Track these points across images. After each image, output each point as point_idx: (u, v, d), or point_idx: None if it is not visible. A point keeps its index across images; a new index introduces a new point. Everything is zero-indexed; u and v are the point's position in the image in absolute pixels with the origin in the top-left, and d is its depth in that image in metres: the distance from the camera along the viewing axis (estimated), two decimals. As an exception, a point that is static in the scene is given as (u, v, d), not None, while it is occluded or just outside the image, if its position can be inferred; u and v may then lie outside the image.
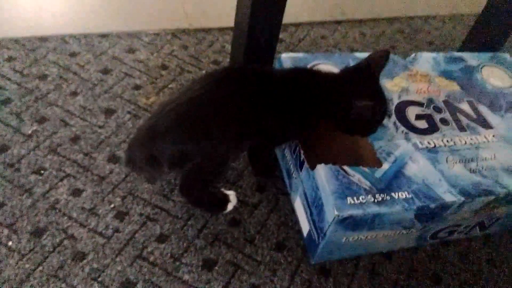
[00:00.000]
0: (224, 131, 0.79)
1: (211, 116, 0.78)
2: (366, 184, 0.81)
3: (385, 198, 0.79)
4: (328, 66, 1.01)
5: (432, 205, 0.80)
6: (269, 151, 1.01)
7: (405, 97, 0.99)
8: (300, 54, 1.05)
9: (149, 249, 0.84)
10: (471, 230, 0.94)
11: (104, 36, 1.25)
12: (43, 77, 1.11)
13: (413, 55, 1.11)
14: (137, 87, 1.13)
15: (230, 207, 0.91)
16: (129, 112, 1.07)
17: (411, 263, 0.92)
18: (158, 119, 0.80)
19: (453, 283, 0.91)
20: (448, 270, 0.92)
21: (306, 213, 0.88)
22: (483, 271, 0.94)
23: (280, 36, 1.16)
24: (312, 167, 0.83)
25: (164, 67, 1.20)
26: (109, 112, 1.06)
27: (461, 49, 1.40)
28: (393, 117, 0.94)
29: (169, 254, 0.84)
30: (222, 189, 0.93)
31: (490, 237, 1.00)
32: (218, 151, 0.81)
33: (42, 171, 0.92)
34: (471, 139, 0.93)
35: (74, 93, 1.08)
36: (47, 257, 0.80)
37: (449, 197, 0.81)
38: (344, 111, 0.83)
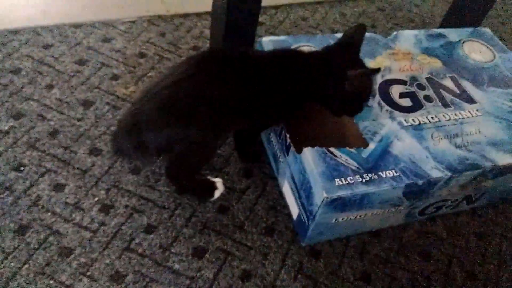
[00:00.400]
0: (210, 115, 0.77)
1: (196, 100, 0.76)
2: (353, 164, 0.80)
3: (373, 178, 0.79)
4: (311, 48, 1.00)
5: (420, 182, 0.80)
6: (255, 136, 1.00)
7: (388, 76, 0.98)
8: (281, 37, 1.03)
9: (137, 241, 0.83)
10: (459, 204, 0.95)
11: (77, 26, 1.21)
12: (16, 71, 1.07)
13: (394, 33, 1.10)
14: (115, 77, 1.10)
15: (217, 194, 0.90)
16: (108, 103, 1.04)
17: (400, 240, 0.93)
18: (142, 105, 0.77)
19: (442, 258, 0.92)
20: (437, 246, 0.93)
21: (295, 197, 0.87)
22: (471, 245, 0.95)
23: (260, 19, 1.14)
24: (299, 150, 0.82)
25: (142, 55, 1.17)
26: (87, 104, 1.03)
27: (442, 25, 1.40)
28: (377, 97, 0.93)
29: (158, 245, 0.83)
30: (209, 177, 0.92)
31: (477, 210, 1.01)
32: (205, 136, 0.79)
33: (21, 168, 0.89)
34: (455, 114, 0.94)
35: (50, 86, 1.05)
36: (33, 254, 0.78)
37: (436, 173, 0.82)
38: (334, 87, 0.82)
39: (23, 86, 1.03)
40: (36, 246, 0.79)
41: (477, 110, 0.96)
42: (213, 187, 0.90)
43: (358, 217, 0.84)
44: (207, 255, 0.83)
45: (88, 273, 0.78)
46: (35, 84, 1.05)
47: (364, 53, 1.01)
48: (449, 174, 0.82)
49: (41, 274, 0.76)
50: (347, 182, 0.77)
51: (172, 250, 0.83)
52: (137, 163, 0.92)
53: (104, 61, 1.14)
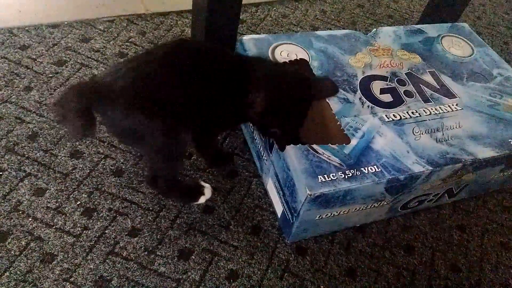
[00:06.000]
0: (174, 112, 0.72)
1: (167, 94, 0.72)
2: (336, 161, 0.81)
3: (355, 174, 0.79)
4: (292, 46, 1.00)
5: (401, 177, 0.81)
6: (213, 140, 0.96)
7: (369, 72, 0.99)
8: (262, 36, 1.03)
9: (121, 244, 0.82)
10: (440, 198, 0.96)
11: (55, 26, 1.19)
12: (-8, 73, 1.04)
13: (374, 30, 1.11)
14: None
15: (202, 200, 0.89)
16: (89, 105, 1.02)
17: (384, 235, 0.94)
18: (116, 77, 0.71)
19: (426, 251, 0.93)
20: (420, 239, 0.94)
21: (279, 194, 0.87)
22: (453, 237, 0.96)
23: (241, 16, 1.14)
24: (282, 148, 0.82)
25: (122, 55, 1.16)
26: (67, 106, 1.01)
27: (421, 21, 1.41)
28: (358, 93, 0.94)
29: (142, 248, 0.82)
30: (200, 181, 0.91)
31: (459, 203, 1.03)
32: (167, 132, 0.74)
33: (0, 173, 0.87)
34: (435, 109, 0.95)
35: (28, 88, 1.03)
36: (14, 261, 0.77)
37: (418, 167, 0.83)
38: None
39: (-1, 89, 1.01)
40: (17, 253, 0.78)
41: (456, 105, 0.97)
42: (200, 191, 0.89)
43: (341, 213, 0.84)
44: (193, 256, 0.83)
45: (72, 279, 0.76)
46: (12, 86, 1.02)
47: (345, 50, 1.02)
48: (430, 168, 0.83)
49: (23, 281, 0.75)
50: (330, 179, 0.78)
51: (158, 253, 0.82)
52: (70, 129, 0.75)
53: (83, 61, 1.12)
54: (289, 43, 1.00)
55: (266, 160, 0.91)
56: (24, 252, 0.78)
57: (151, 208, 0.88)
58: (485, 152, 0.88)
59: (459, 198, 1.01)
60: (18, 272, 0.76)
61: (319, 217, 0.83)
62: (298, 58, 0.96)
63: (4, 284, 0.74)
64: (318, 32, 1.06)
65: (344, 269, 0.87)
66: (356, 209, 0.85)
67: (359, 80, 0.97)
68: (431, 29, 1.16)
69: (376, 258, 0.90)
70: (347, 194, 0.79)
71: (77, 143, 0.95)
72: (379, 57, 1.03)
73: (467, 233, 0.98)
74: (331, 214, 0.84)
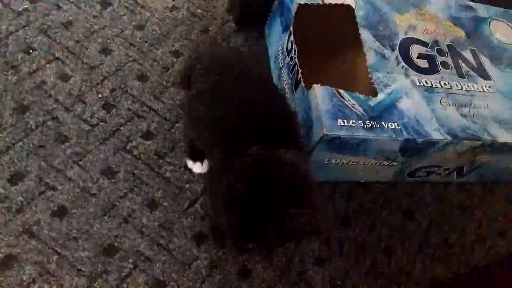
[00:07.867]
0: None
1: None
2: (359, 110, 0.81)
3: (374, 126, 0.79)
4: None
5: (419, 140, 0.81)
6: None
7: (411, 34, 0.97)
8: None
9: (134, 144, 0.84)
10: (449, 174, 0.96)
11: None
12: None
13: (426, -5, 1.08)
14: (137, -16, 1.08)
15: (195, 169, 0.84)
16: (126, 7, 1.02)
17: (387, 196, 0.94)
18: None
19: (424, 220, 0.94)
20: (421, 208, 0.95)
21: (294, 133, 0.87)
22: (453, 215, 0.97)
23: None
24: (309, 87, 0.82)
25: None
26: (105, 4, 1.01)
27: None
28: (396, 52, 0.93)
29: (153, 151, 0.84)
30: None
31: (467, 185, 1.02)
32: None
33: (30, 51, 0.89)
34: (468, 86, 0.93)
35: (70, -21, 1.02)
36: (29, 134, 0.79)
37: (437, 134, 0.82)
38: None
39: (43, -27, 1.01)
40: (34, 127, 0.80)
41: (489, 87, 0.95)
42: (201, 157, 0.84)
43: (350, 162, 0.85)
44: (199, 170, 0.85)
45: (81, 163, 0.79)
46: (56, -26, 1.02)
47: (393, 6, 1.00)
48: (449, 138, 0.83)
49: (35, 154, 0.77)
50: (349, 124, 0.78)
51: (167, 160, 0.84)
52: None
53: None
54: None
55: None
56: (40, 128, 0.80)
57: (168, 118, 0.89)
58: (505, 137, 0.88)
59: (467, 179, 1.01)
60: (31, 145, 0.78)
61: (328, 161, 0.83)
62: (344, 3, 0.94)
63: (17, 152, 0.77)
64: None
65: (340, 217, 0.88)
66: (365, 162, 0.86)
67: (400, 40, 0.95)
68: (482, 9, 1.12)
69: (374, 215, 0.91)
70: (361, 143, 0.79)
71: (109, 41, 0.95)
72: (425, 21, 1.01)
73: (468, 214, 0.98)
74: (340, 161, 0.84)
